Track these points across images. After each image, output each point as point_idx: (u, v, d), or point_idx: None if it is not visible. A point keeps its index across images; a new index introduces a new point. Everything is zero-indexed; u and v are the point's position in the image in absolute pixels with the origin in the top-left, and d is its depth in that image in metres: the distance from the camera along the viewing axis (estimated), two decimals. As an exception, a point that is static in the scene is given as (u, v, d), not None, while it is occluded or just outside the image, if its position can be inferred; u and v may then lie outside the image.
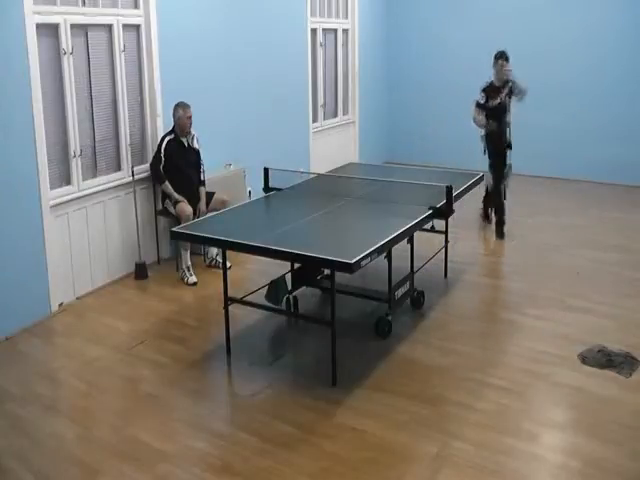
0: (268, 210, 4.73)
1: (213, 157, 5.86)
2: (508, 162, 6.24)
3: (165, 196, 5.37)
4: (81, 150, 4.98)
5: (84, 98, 5.02)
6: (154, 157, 5.37)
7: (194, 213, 5.24)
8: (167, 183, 5.28)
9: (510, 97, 6.09)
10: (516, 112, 6.25)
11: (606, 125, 8.25)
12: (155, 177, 5.38)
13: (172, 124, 5.36)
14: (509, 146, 6.23)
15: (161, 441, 3.22)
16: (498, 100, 6.02)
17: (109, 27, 5.15)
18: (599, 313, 4.56)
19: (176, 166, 5.30)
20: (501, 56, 6.02)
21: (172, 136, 5.32)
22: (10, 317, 4.37)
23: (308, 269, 4.59)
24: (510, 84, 6.02)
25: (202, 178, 5.50)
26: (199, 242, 4.89)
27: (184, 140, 5.37)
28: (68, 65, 4.79)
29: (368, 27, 9.03)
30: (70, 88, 4.83)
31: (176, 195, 5.26)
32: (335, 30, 8.44)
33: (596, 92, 8.26)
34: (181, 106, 5.28)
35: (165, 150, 5.27)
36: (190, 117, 5.29)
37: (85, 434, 3.32)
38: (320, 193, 4.95)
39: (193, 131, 5.43)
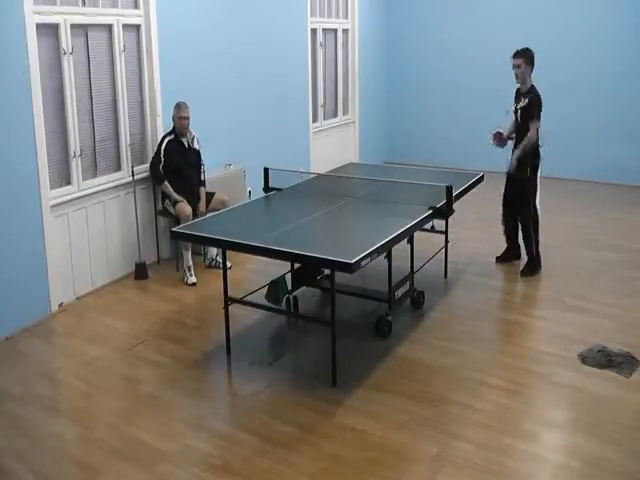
0: (268, 210, 4.73)
1: (213, 157, 5.86)
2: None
3: (165, 196, 5.37)
4: (81, 150, 4.98)
5: (84, 98, 5.02)
6: (154, 157, 5.37)
7: (194, 213, 5.24)
8: (166, 183, 5.28)
9: (525, 114, 5.10)
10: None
11: (606, 125, 8.26)
12: (154, 177, 5.38)
13: (172, 124, 5.36)
14: (518, 183, 5.23)
15: (161, 441, 3.22)
16: (513, 107, 5.25)
17: (109, 27, 5.15)
18: (599, 313, 4.56)
19: (176, 166, 5.30)
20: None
21: (172, 136, 5.32)
22: (10, 317, 4.37)
23: (308, 269, 4.59)
24: (531, 97, 5.05)
25: (202, 178, 5.50)
26: (199, 242, 4.88)
27: (184, 140, 5.37)
28: (68, 65, 4.79)
29: (368, 27, 9.03)
30: (70, 88, 4.83)
31: (175, 195, 5.26)
32: (335, 30, 8.44)
33: (596, 92, 8.26)
34: (176, 106, 5.27)
35: (165, 150, 5.27)
36: (185, 118, 5.26)
37: (85, 434, 3.32)
38: (320, 193, 4.94)
39: (193, 131, 5.43)
